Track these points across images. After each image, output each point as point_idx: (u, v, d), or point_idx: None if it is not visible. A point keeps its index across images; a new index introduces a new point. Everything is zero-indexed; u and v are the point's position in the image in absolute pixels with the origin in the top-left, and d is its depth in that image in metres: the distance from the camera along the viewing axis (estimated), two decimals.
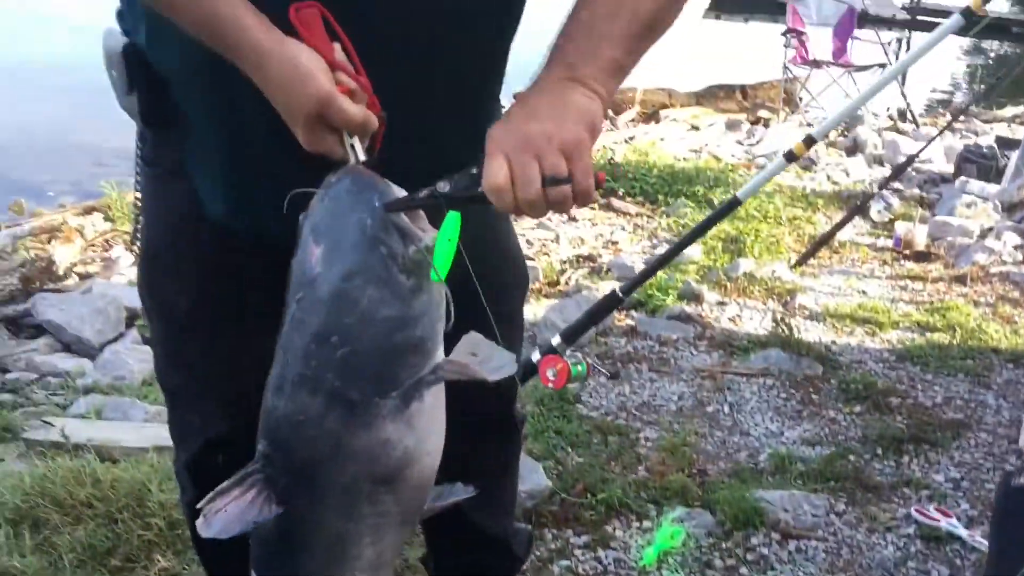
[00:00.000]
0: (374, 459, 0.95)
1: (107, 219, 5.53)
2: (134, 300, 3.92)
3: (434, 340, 0.96)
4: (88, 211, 5.64)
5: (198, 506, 0.94)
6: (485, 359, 0.96)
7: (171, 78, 1.09)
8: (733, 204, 2.19)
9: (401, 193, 0.95)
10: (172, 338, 1.29)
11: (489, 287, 1.02)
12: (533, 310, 3.90)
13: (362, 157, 0.97)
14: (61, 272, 4.42)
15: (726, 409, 2.87)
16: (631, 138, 7.40)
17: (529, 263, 4.62)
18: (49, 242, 4.81)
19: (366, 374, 0.92)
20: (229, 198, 1.13)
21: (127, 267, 4.46)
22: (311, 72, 0.93)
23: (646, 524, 2.24)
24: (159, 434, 2.49)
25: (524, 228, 5.30)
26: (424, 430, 0.98)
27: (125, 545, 2.00)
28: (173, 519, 2.05)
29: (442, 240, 0.90)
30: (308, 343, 0.92)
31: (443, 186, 0.93)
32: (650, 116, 8.82)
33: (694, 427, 2.73)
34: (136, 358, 3.08)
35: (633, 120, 8.66)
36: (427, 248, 0.91)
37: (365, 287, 0.91)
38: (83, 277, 4.50)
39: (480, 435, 1.30)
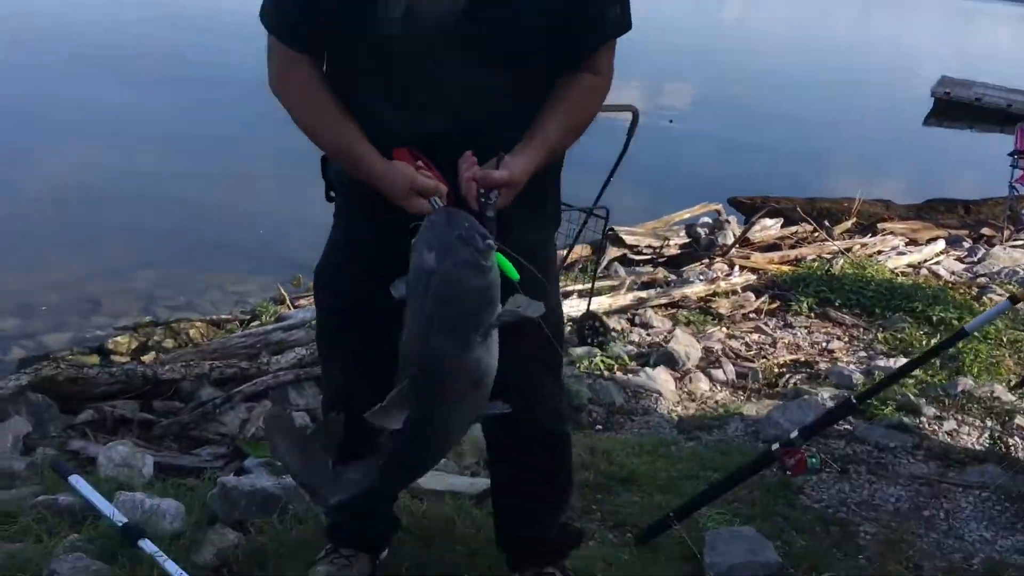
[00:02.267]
0: (472, 372, 1.59)
1: None
2: None
3: (498, 297, 1.60)
4: None
5: (366, 415, 1.57)
6: (524, 307, 1.63)
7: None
8: (960, 335, 2.52)
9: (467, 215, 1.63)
10: (327, 323, 2.12)
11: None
12: (755, 408, 4.28)
13: (441, 206, 1.68)
14: None
15: (941, 515, 3.14)
16: (848, 249, 7.61)
17: (748, 364, 5.01)
18: None
19: (469, 321, 1.56)
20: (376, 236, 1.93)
21: None
22: (404, 172, 1.73)
23: None
24: (450, 481, 3.07)
25: (744, 331, 5.69)
26: (493, 353, 1.62)
27: (437, 562, 2.55)
28: (474, 548, 2.59)
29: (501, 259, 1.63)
30: (434, 307, 1.55)
31: (490, 214, 1.66)
32: (867, 228, 8.94)
33: (911, 527, 3.02)
34: None
35: (849, 231, 8.81)
36: (493, 244, 1.59)
37: (465, 270, 1.54)
38: None
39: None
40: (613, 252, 7.72)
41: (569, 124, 1.85)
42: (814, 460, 2.51)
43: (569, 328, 5.62)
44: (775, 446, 2.55)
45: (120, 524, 2.55)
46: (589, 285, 5.77)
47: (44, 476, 3.25)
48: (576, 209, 4.83)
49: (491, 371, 1.63)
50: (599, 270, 6.38)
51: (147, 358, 5.15)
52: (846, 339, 5.58)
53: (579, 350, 5.03)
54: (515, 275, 1.65)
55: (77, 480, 2.86)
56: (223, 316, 6.19)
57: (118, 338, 5.74)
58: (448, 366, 1.58)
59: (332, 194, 2.02)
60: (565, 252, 5.45)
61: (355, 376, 2.06)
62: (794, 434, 2.53)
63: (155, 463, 3.48)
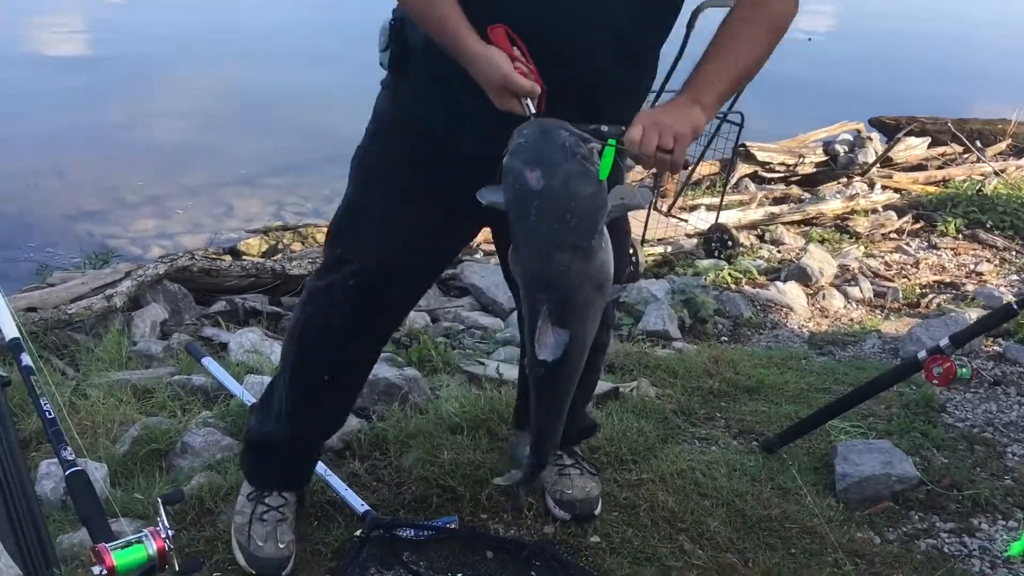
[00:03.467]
0: (595, 276, 1.52)
1: None
2: None
3: (607, 196, 1.52)
4: None
5: (534, 341, 1.54)
6: (630, 197, 1.58)
7: (418, 47, 1.71)
8: None
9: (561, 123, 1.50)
10: (359, 193, 1.88)
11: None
12: (894, 326, 4.05)
13: (533, 111, 1.54)
14: (475, 245, 5.21)
15: None
16: (1002, 171, 7.08)
17: (887, 283, 4.74)
18: None
19: (588, 229, 1.49)
20: (448, 118, 1.73)
21: None
22: (499, 62, 1.54)
23: (1011, 524, 2.39)
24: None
25: (883, 251, 5.39)
26: (608, 250, 1.54)
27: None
28: (591, 445, 2.54)
29: (606, 155, 1.51)
30: (552, 226, 1.47)
31: (604, 128, 1.54)
32: (1022, 150, 8.33)
33: None
34: None
35: (1002, 153, 8.24)
36: (597, 149, 1.50)
37: (576, 181, 1.46)
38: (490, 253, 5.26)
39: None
40: (743, 169, 7.42)
41: (748, 59, 1.66)
42: (965, 370, 2.32)
43: (696, 241, 5.45)
44: (922, 354, 2.37)
45: (249, 403, 2.62)
46: (717, 199, 5.56)
47: (179, 358, 3.38)
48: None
49: (611, 268, 1.57)
50: (729, 183, 6.13)
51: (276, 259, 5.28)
52: (996, 262, 5.21)
53: (705, 262, 4.87)
54: (606, 170, 1.53)
55: (210, 362, 2.96)
56: None
57: (249, 240, 5.93)
58: (576, 280, 1.52)
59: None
60: (695, 161, 5.24)
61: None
62: (944, 341, 2.34)
63: None
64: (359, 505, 2.19)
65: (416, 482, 2.35)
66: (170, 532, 1.55)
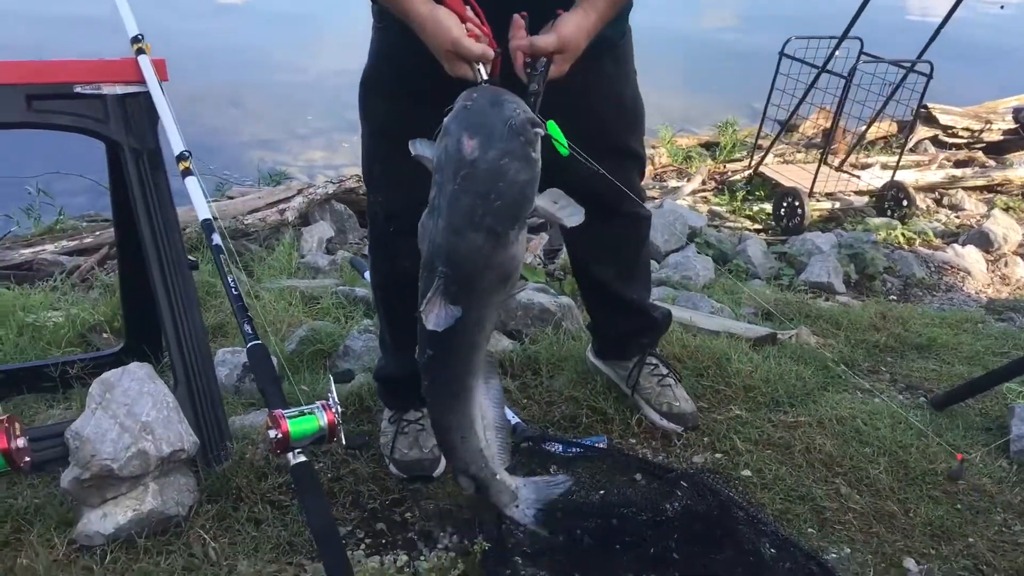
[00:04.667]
0: (502, 265, 1.42)
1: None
2: (694, 221, 4.52)
3: (536, 191, 1.41)
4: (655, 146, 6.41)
5: (418, 312, 1.43)
6: (562, 208, 1.45)
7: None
8: None
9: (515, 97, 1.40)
10: (371, 137, 1.86)
11: (599, 125, 1.77)
12: None
13: (485, 77, 1.47)
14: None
15: None
16: None
17: None
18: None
19: (510, 216, 1.38)
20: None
21: (686, 196, 5.07)
22: (448, 25, 1.48)
23: None
24: (726, 324, 2.96)
25: None
26: (522, 248, 1.45)
27: (710, 391, 2.47)
28: (747, 384, 2.48)
29: (553, 129, 1.44)
30: (474, 200, 1.36)
31: (533, 87, 1.50)
32: None
33: None
34: (702, 265, 3.60)
35: None
36: (543, 130, 1.38)
37: (513, 162, 1.35)
38: (657, 195, 5.21)
39: (616, 224, 2.05)
40: (923, 132, 7.00)
41: None
42: None
43: (867, 199, 5.19)
44: None
45: None
46: (893, 157, 5.26)
47: (343, 272, 3.52)
48: (889, 62, 4.33)
49: (520, 262, 1.47)
50: (909, 141, 5.79)
51: None
52: None
53: (877, 220, 4.63)
54: (564, 150, 1.46)
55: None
56: None
57: None
58: (483, 263, 1.41)
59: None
60: (873, 115, 4.97)
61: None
62: None
63: None
64: (510, 416, 2.22)
65: (566, 402, 2.37)
66: (339, 408, 1.62)
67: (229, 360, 2.47)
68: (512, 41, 1.54)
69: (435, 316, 1.42)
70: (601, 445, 2.20)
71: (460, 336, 1.48)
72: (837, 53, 4.41)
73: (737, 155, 6.18)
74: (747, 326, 2.99)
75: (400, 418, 2.14)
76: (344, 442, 1.62)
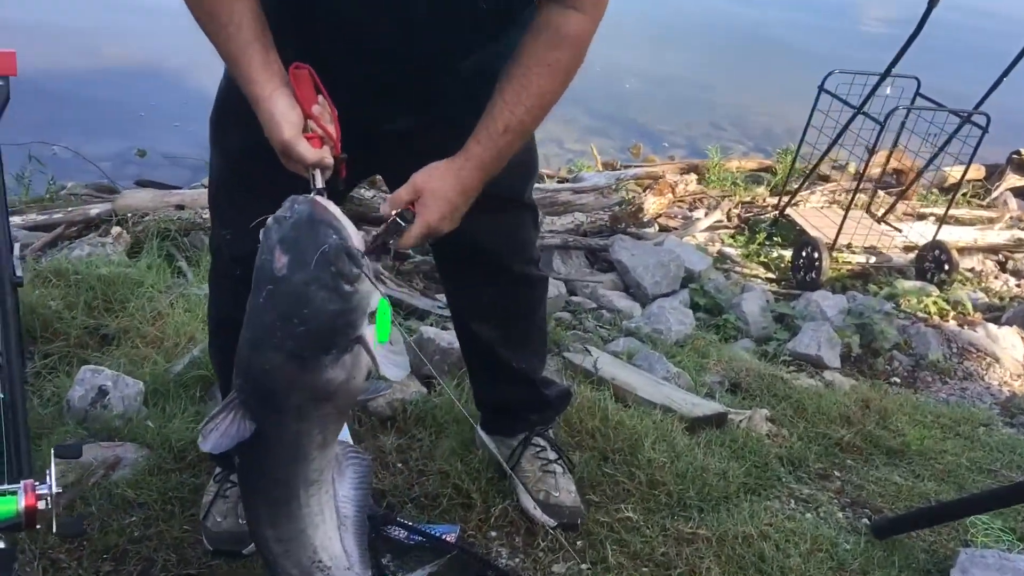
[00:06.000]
0: (316, 390, 1.30)
1: (700, 181, 5.85)
2: (696, 263, 4.17)
3: (362, 320, 1.29)
4: (687, 170, 6.03)
5: (198, 428, 1.27)
6: (390, 353, 1.33)
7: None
8: None
9: (345, 221, 1.28)
10: (224, 169, 1.69)
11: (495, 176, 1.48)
12: None
13: (319, 186, 1.35)
14: (646, 219, 4.82)
15: None
16: None
17: None
18: (645, 190, 5.27)
19: (315, 342, 1.26)
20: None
21: (701, 231, 4.68)
22: (280, 124, 1.35)
23: None
24: (669, 395, 2.63)
25: None
26: (351, 369, 1.31)
27: (609, 482, 2.16)
28: (654, 479, 2.17)
29: (382, 310, 1.29)
30: (275, 320, 1.25)
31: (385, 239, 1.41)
32: None
33: None
34: (677, 319, 3.26)
35: None
36: (367, 271, 1.27)
37: (319, 291, 1.25)
38: (663, 230, 4.85)
39: (504, 284, 1.87)
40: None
41: (529, 105, 1.43)
42: None
43: (908, 259, 4.68)
44: None
45: None
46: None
47: None
48: (947, 110, 3.86)
49: (352, 383, 1.33)
50: (956, 193, 5.20)
51: None
52: None
53: (907, 284, 4.15)
54: (384, 337, 1.31)
55: None
56: (543, 170, 6.04)
57: None
58: (285, 384, 1.30)
59: None
60: (926, 162, 4.46)
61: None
62: None
63: (391, 297, 3.40)
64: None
65: (436, 475, 2.11)
66: (55, 489, 1.39)
67: (88, 379, 2.28)
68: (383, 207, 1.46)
69: (213, 435, 1.30)
70: (450, 537, 1.93)
71: (277, 449, 1.36)
72: (888, 91, 3.95)
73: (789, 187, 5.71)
74: (695, 400, 2.65)
75: (226, 478, 1.92)
76: (55, 531, 1.39)
